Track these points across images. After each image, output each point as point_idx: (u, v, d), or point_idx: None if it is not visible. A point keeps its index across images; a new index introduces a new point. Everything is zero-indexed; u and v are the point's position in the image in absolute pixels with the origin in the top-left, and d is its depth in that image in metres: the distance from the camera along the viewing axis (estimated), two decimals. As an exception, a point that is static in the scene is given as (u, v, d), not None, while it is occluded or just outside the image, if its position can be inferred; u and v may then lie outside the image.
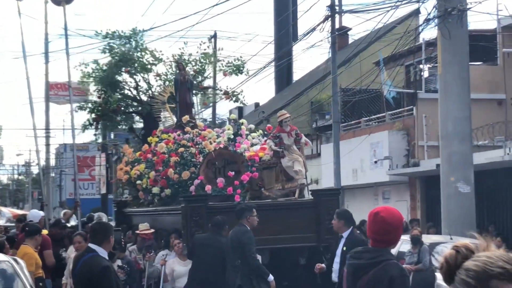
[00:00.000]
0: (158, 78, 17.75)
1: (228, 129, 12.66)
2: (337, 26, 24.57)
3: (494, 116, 21.13)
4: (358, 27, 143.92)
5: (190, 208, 10.63)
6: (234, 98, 18.94)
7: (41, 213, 14.77)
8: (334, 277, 9.40)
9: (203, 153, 11.88)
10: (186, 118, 13.11)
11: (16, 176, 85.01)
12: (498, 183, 19.65)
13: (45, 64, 38.29)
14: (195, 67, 18.24)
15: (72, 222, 17.86)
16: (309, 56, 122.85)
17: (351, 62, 24.50)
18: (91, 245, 7.12)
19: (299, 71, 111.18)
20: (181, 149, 12.15)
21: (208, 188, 11.10)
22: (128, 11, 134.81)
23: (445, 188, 15.91)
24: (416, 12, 22.85)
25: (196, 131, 12.63)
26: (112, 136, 39.43)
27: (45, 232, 12.13)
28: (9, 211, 25.35)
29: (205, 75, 18.70)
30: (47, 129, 36.30)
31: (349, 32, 33.81)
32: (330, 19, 21.47)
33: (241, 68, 18.99)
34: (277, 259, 9.88)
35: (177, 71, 14.30)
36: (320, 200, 11.19)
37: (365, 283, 4.60)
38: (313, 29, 21.30)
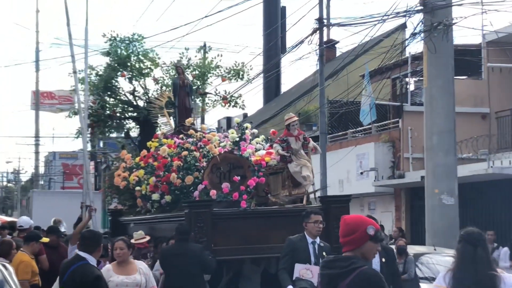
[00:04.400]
0: (155, 82, 17.59)
1: (232, 133, 11.82)
2: (325, 39, 24.80)
3: (478, 130, 21.39)
4: (346, 40, 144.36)
5: (194, 214, 10.16)
6: (233, 103, 18.81)
7: (31, 221, 14.49)
8: None
9: (207, 157, 11.41)
10: (190, 120, 12.65)
11: (5, 183, 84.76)
12: (481, 196, 19.91)
13: (36, 72, 38.49)
14: (193, 73, 18.16)
15: (62, 229, 17.71)
16: (297, 68, 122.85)
17: (338, 74, 24.72)
18: (80, 253, 7.11)
19: (287, 83, 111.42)
20: (185, 153, 11.62)
21: (213, 193, 10.58)
22: (120, 19, 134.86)
23: (429, 200, 16.12)
24: (403, 26, 23.11)
25: (200, 134, 12.13)
26: (101, 145, 39.46)
27: (45, 240, 11.63)
28: (-2, 218, 25.34)
29: (204, 81, 18.58)
30: (37, 136, 36.40)
31: (336, 45, 34.10)
32: (318, 32, 21.69)
33: (241, 73, 18.86)
34: None
35: (176, 75, 13.78)
36: (330, 207, 10.61)
37: None
38: (301, 42, 21.51)
